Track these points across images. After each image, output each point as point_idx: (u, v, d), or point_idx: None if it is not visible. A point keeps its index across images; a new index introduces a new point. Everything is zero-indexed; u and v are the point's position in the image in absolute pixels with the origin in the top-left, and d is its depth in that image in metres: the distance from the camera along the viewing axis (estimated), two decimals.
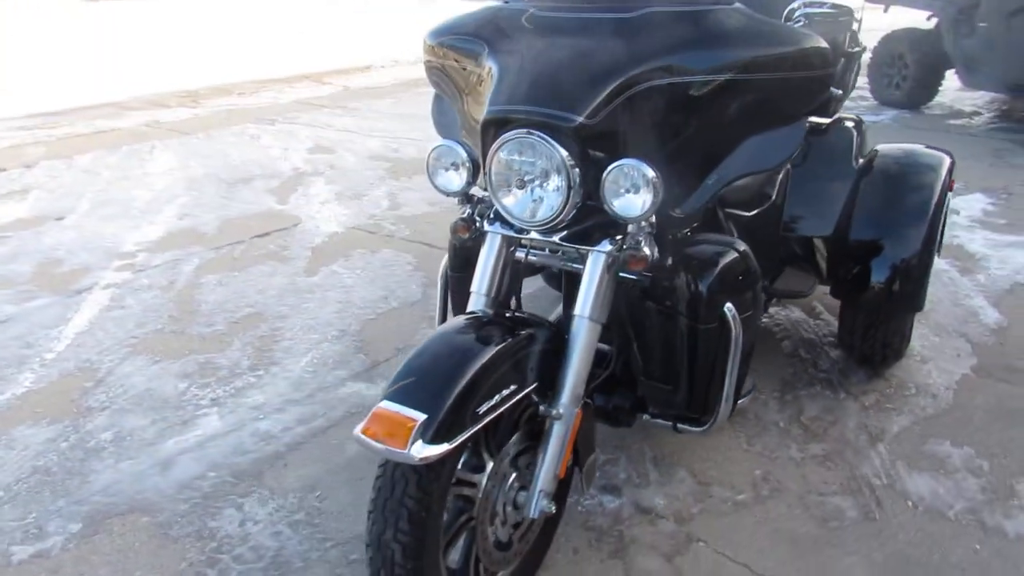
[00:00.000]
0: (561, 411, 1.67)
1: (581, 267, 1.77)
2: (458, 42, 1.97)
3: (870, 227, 2.48)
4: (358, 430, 1.47)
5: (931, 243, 2.48)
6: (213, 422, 2.57)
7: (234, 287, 3.53)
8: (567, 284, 2.02)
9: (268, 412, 2.62)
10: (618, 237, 1.69)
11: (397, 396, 1.47)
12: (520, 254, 1.86)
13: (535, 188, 1.66)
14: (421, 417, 1.42)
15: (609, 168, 1.58)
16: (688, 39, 1.64)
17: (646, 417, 2.06)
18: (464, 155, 1.75)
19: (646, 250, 1.64)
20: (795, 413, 2.57)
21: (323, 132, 6.29)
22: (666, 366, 1.91)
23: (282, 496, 2.23)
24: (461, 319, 1.71)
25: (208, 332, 3.15)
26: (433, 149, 1.80)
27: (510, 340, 1.58)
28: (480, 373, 1.50)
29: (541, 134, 1.61)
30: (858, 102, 7.22)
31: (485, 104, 1.72)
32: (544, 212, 1.67)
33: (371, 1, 18.00)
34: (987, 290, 3.43)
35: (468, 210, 1.87)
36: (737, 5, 1.70)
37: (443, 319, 2.24)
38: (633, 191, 1.57)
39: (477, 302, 1.82)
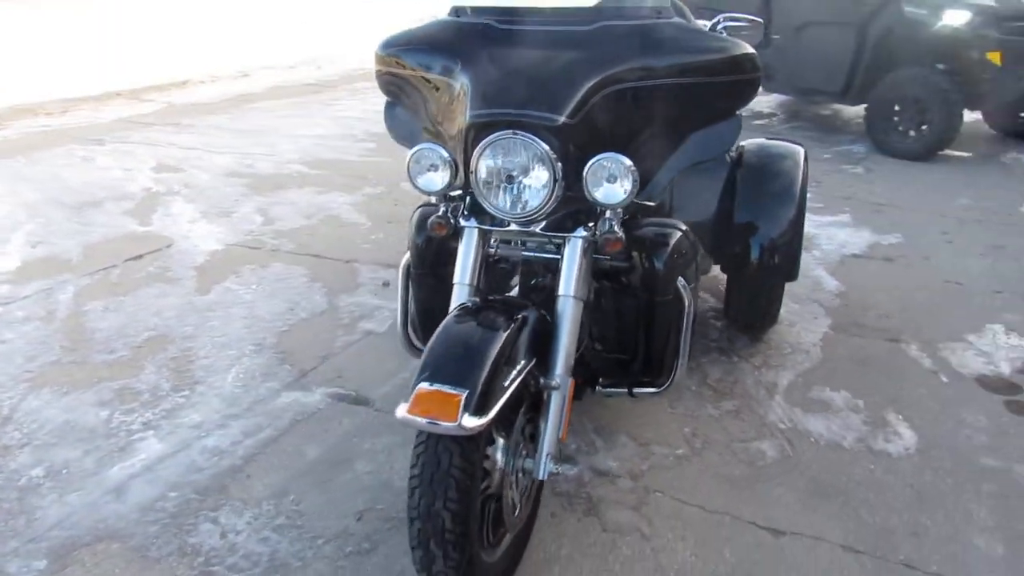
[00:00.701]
0: (558, 381, 1.86)
1: (552, 255, 1.98)
2: (416, 53, 2.11)
3: (748, 211, 2.87)
4: (403, 412, 1.58)
5: (800, 221, 2.92)
6: (154, 445, 2.50)
7: (125, 312, 3.38)
8: (524, 273, 2.21)
9: (210, 429, 2.58)
10: (590, 224, 1.91)
11: (435, 377, 1.60)
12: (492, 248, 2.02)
13: (520, 184, 1.84)
14: (463, 393, 1.56)
15: (592, 161, 1.79)
16: (641, 47, 1.89)
17: (599, 389, 2.29)
18: (445, 156, 1.89)
19: (620, 233, 1.87)
20: (702, 378, 2.92)
21: (164, 150, 6.00)
22: (623, 338, 2.15)
23: (255, 505, 2.24)
24: (466, 307, 1.85)
25: (112, 359, 3.01)
26: (413, 152, 1.91)
27: (514, 322, 1.75)
28: (501, 351, 1.66)
29: (526, 134, 1.79)
30: None
31: (463, 109, 1.88)
32: (530, 205, 1.85)
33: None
34: (824, 263, 4.02)
35: (443, 208, 2.01)
36: (676, 19, 1.98)
37: (404, 315, 2.35)
38: (613, 181, 1.80)
39: (463, 292, 1.97)
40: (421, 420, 1.55)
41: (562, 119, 1.78)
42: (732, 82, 1.94)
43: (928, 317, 3.45)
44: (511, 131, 1.80)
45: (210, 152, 5.97)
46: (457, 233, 2.00)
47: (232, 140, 6.37)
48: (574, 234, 1.91)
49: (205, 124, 6.96)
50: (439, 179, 1.93)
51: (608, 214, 1.87)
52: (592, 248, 1.92)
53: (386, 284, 3.71)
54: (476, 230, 1.99)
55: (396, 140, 2.29)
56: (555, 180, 1.82)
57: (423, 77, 2.09)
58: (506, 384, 1.66)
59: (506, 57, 1.92)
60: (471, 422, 1.54)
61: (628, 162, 1.77)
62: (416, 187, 1.98)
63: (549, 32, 1.95)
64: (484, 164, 1.85)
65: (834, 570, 2.03)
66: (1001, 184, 5.54)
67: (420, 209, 2.32)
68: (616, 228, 1.87)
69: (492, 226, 1.98)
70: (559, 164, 1.80)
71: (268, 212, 4.68)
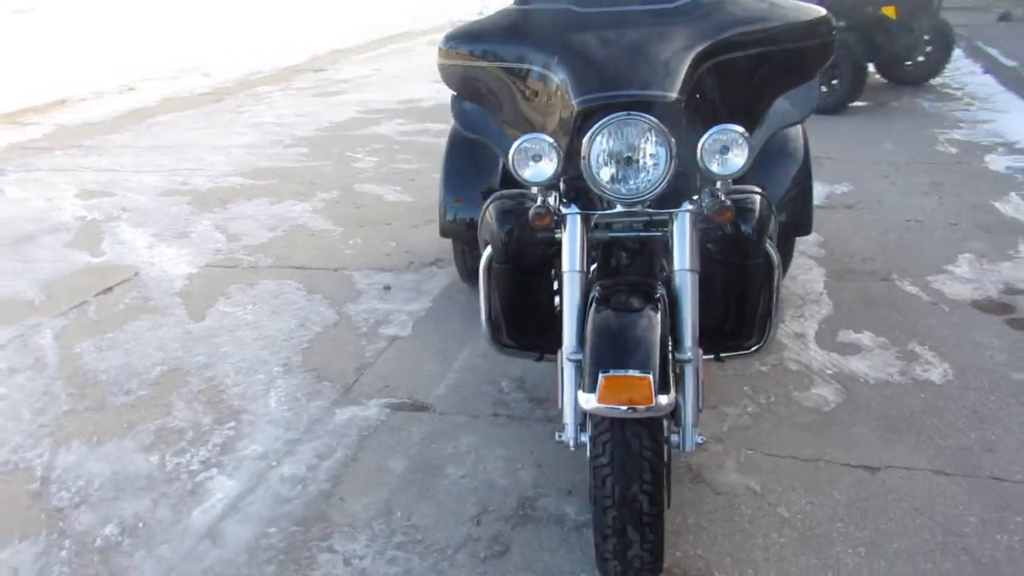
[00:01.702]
0: (689, 354, 1.88)
1: (649, 233, 2.00)
2: (489, 45, 2.06)
3: (763, 173, 2.98)
4: (593, 403, 1.57)
5: (808, 178, 3.06)
6: (225, 483, 2.36)
7: (123, 348, 3.14)
8: (604, 254, 2.21)
9: (278, 458, 2.46)
10: (694, 197, 1.94)
11: (616, 363, 1.60)
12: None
13: (639, 163, 1.85)
14: (648, 374, 1.57)
15: (708, 134, 1.81)
16: (731, 18, 1.93)
17: None
18: (550, 144, 1.87)
19: (729, 202, 1.91)
20: None
21: (80, 175, 5.57)
22: (715, 304, 2.20)
23: (365, 527, 2.16)
24: (609, 291, 1.84)
25: (132, 400, 2.80)
26: (519, 143, 1.88)
27: (658, 300, 1.76)
28: (663, 331, 1.67)
29: (641, 114, 1.80)
30: None
31: (563, 96, 1.86)
32: (646, 183, 1.86)
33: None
34: None
35: (541, 199, 1.98)
36: None
37: (488, 312, 2.30)
38: (727, 151, 1.83)
39: (575, 279, 1.95)
40: (620, 407, 1.55)
41: (674, 95, 1.80)
42: (813, 45, 2.01)
43: (906, 255, 3.70)
44: (625, 112, 1.80)
45: (134, 172, 5.58)
46: (559, 222, 1.98)
47: (151, 158, 5.98)
48: (681, 208, 1.93)
49: (111, 144, 6.50)
50: (548, 168, 1.90)
51: (718, 184, 1.90)
52: (699, 220, 1.95)
53: (388, 288, 3.62)
54: (578, 216, 1.98)
55: (467, 132, 2.24)
56: (671, 157, 1.83)
57: (501, 68, 2.06)
58: (670, 362, 1.67)
59: (599, 40, 1.91)
60: (664, 400, 1.55)
61: (741, 131, 1.81)
62: (522, 179, 1.94)
63: (636, 12, 1.96)
64: (598, 147, 1.84)
65: (937, 494, 2.17)
66: (912, 128, 5.98)
67: (496, 202, 2.28)
68: (724, 198, 1.91)
69: (595, 210, 1.98)
70: (673, 140, 1.82)
71: (227, 228, 4.44)
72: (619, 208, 1.97)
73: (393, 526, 2.16)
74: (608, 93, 1.80)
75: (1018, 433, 2.40)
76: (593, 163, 1.86)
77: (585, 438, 1.91)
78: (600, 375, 1.59)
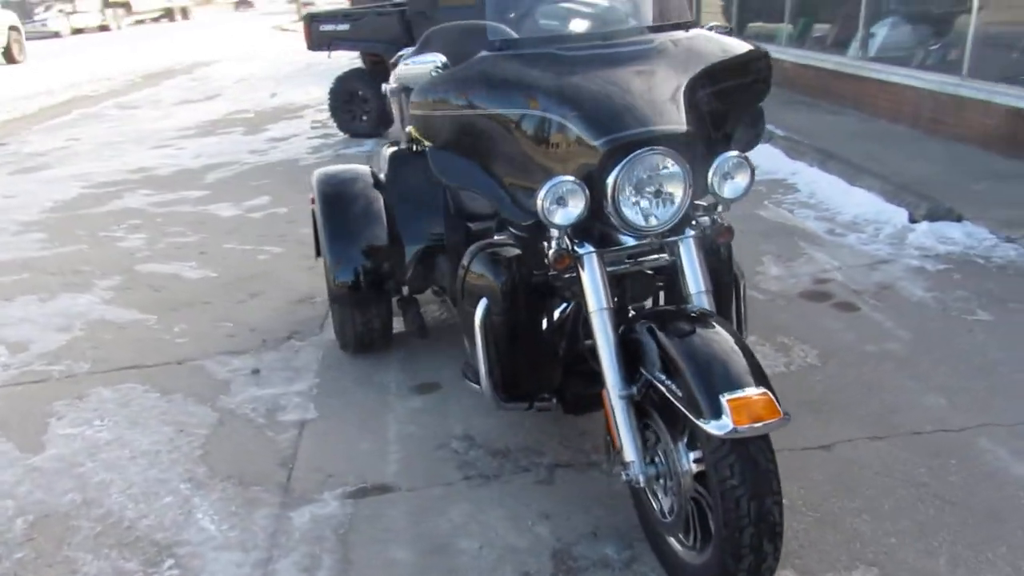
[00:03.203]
0: None
1: (662, 259, 2.07)
2: (473, 93, 2.00)
3: None
4: (726, 430, 1.58)
5: None
6: None
7: None
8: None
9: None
10: (693, 222, 2.05)
11: (729, 385, 1.63)
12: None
13: (660, 196, 1.91)
14: (766, 390, 1.64)
15: (718, 161, 1.93)
16: (701, 55, 2.06)
17: None
18: (577, 186, 1.86)
19: (728, 223, 2.05)
20: None
21: None
22: None
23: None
24: (654, 324, 1.85)
25: (8, 569, 2.19)
26: (549, 188, 1.84)
27: (713, 321, 1.84)
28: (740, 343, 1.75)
29: (662, 148, 1.86)
30: (329, 139, 7.91)
31: (573, 138, 1.85)
32: (667, 215, 1.93)
33: None
34: None
35: (556, 242, 1.96)
36: (701, 30, 2.19)
37: (489, 368, 2.19)
38: (733, 177, 1.97)
39: (603, 317, 1.95)
40: (757, 425, 1.58)
41: (686, 127, 1.89)
42: (761, 78, 2.22)
43: None
44: (649, 147, 1.85)
45: None
46: (576, 262, 1.97)
47: None
48: (685, 236, 2.03)
49: None
50: (575, 209, 1.89)
51: (719, 208, 2.03)
52: (702, 244, 2.06)
53: (256, 371, 3.24)
54: (594, 255, 1.98)
55: (448, 183, 2.12)
56: (688, 186, 1.92)
57: (491, 115, 1.98)
58: None
59: (598, 81, 1.93)
60: (785, 413, 1.62)
61: (744, 156, 1.96)
62: (551, 224, 1.91)
63: (620, 53, 2.02)
64: (625, 185, 1.87)
65: (885, 457, 2.49)
66: None
67: (481, 255, 2.19)
68: (722, 220, 2.05)
69: (607, 247, 2.00)
70: (689, 170, 1.91)
71: (2, 338, 3.63)
72: (631, 242, 2.02)
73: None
74: (631, 131, 1.84)
75: (902, 393, 2.85)
76: (622, 200, 1.89)
77: (650, 471, 1.92)
78: (722, 399, 1.62)
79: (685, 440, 1.87)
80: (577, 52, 2.02)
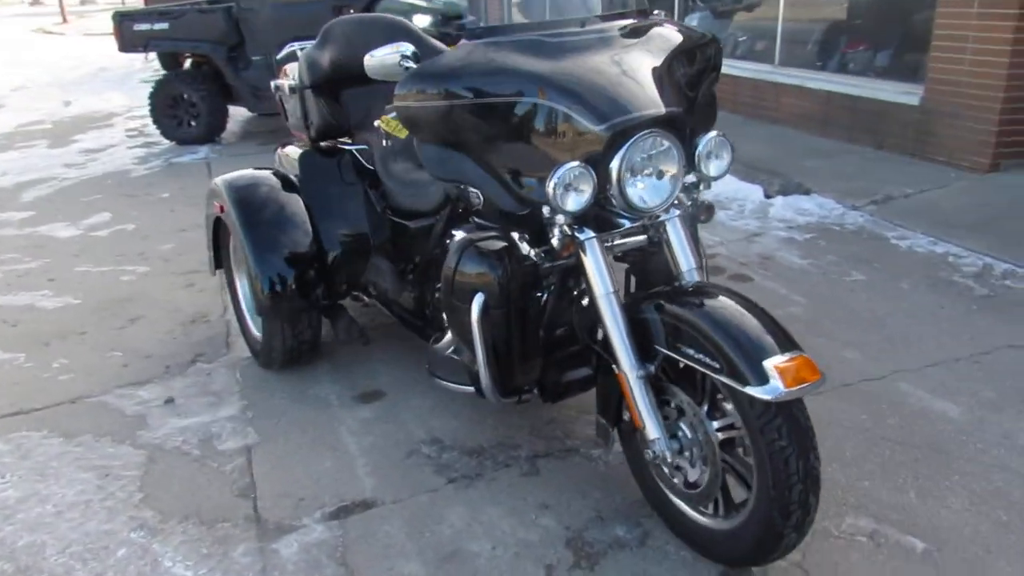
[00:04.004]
0: None
1: (630, 242, 2.12)
2: (460, 82, 1.93)
3: None
4: (777, 394, 1.64)
5: None
6: None
7: None
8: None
9: None
10: (676, 201, 2.11)
11: (772, 351, 1.70)
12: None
13: (658, 177, 1.95)
14: (802, 351, 1.73)
15: (704, 140, 2.00)
16: (667, 41, 2.11)
17: None
18: (585, 171, 1.86)
19: (710, 201, 2.13)
20: None
21: None
22: None
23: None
24: (675, 298, 1.90)
25: None
26: (559, 175, 1.83)
27: (728, 294, 1.91)
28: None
29: (661, 131, 1.91)
30: (152, 148, 7.28)
31: (572, 123, 1.84)
32: (664, 196, 1.97)
33: None
34: None
35: (560, 228, 1.95)
36: (657, 16, 2.24)
37: (488, 362, 2.12)
38: (718, 156, 2.05)
39: (611, 300, 1.97)
40: (805, 386, 1.66)
41: (677, 109, 1.95)
42: (714, 64, 2.30)
43: None
44: (649, 130, 1.89)
45: None
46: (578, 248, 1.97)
47: None
48: (671, 215, 2.08)
49: None
50: (585, 194, 1.89)
51: (702, 186, 2.10)
52: (687, 222, 2.13)
53: (171, 400, 2.93)
54: (595, 239, 2.00)
55: (439, 176, 2.02)
56: (682, 165, 1.98)
57: (480, 104, 1.92)
58: None
59: (588, 65, 1.93)
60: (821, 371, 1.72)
61: (723, 135, 2.05)
62: (563, 211, 1.89)
63: (599, 38, 2.03)
64: (629, 167, 1.89)
65: (844, 410, 2.70)
66: None
67: (472, 248, 2.11)
68: (703, 199, 2.13)
69: (605, 231, 2.02)
70: (682, 150, 1.97)
71: None
72: (627, 224, 2.05)
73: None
74: (633, 115, 1.85)
75: (821, 351, 3.09)
76: (627, 182, 1.91)
77: (673, 446, 1.97)
78: (766, 365, 1.68)
79: (705, 410, 1.93)
80: (560, 39, 2.02)
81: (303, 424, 2.75)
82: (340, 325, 2.96)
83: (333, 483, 2.43)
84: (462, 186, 2.11)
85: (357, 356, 3.18)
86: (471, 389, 2.35)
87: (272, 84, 3.34)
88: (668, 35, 2.19)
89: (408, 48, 2.11)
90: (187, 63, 7.61)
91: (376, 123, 2.27)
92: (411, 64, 2.10)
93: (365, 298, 3.12)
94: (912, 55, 5.71)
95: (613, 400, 2.15)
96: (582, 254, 1.99)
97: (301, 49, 3.36)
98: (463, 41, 2.02)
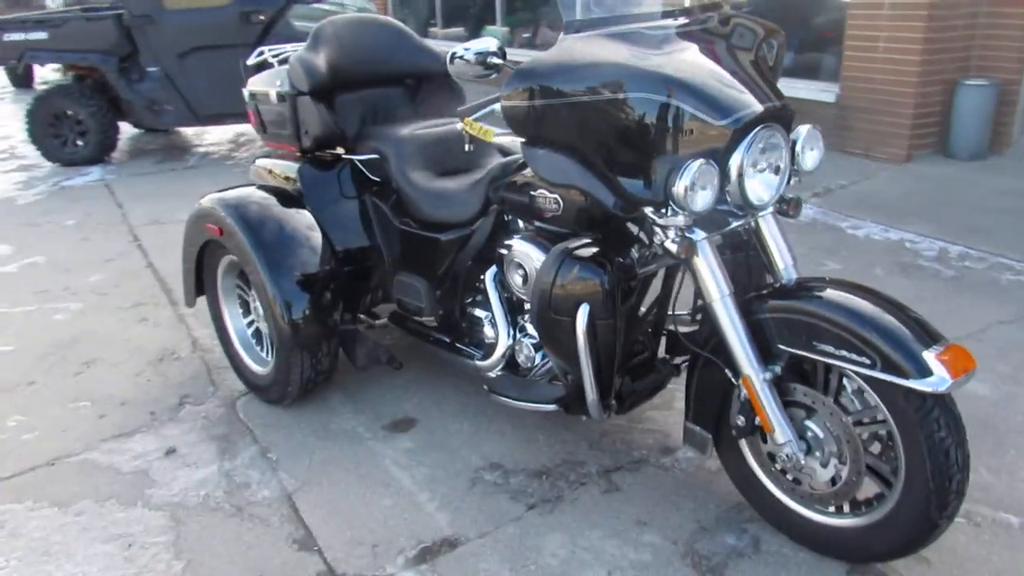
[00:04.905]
0: None
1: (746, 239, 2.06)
2: (574, 79, 1.79)
3: None
4: (945, 386, 1.61)
5: None
6: None
7: None
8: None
9: None
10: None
11: (928, 342, 1.68)
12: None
13: (774, 172, 1.89)
14: (952, 341, 1.71)
15: (801, 133, 1.96)
16: (754, 33, 2.05)
17: None
18: (710, 169, 1.78)
19: (798, 196, 2.09)
20: None
21: None
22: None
23: None
24: (799, 295, 1.85)
25: None
26: (690, 175, 1.73)
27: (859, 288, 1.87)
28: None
29: (773, 124, 1.85)
30: (32, 171, 6.54)
31: (687, 118, 1.75)
32: (775, 189, 1.92)
33: None
34: None
35: (675, 229, 1.87)
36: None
37: (597, 378, 1.98)
38: (813, 148, 2.01)
39: (728, 303, 1.90)
40: (968, 374, 1.64)
41: (784, 102, 1.90)
42: (781, 56, 2.25)
43: None
44: (765, 124, 1.82)
45: None
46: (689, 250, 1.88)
47: None
48: (767, 211, 2.03)
49: None
50: (710, 193, 1.80)
51: (792, 181, 2.06)
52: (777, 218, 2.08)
53: (173, 451, 2.59)
54: (707, 240, 1.92)
55: (549, 179, 1.87)
56: (790, 159, 1.93)
57: (596, 101, 1.78)
58: None
59: (702, 59, 1.84)
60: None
61: (816, 127, 2.01)
62: (692, 212, 1.79)
63: (702, 30, 1.94)
64: (749, 163, 1.82)
65: None
66: None
67: (570, 258, 1.96)
68: (793, 194, 2.09)
69: (714, 230, 1.94)
70: (789, 143, 1.92)
71: None
72: (733, 223, 1.98)
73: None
74: (754, 109, 1.78)
75: None
76: (748, 176, 1.83)
77: (803, 447, 1.91)
78: (926, 357, 1.65)
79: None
80: (663, 31, 1.92)
81: (341, 461, 2.49)
82: (360, 351, 2.72)
83: (402, 523, 2.21)
84: (572, 188, 1.95)
85: (367, 383, 2.94)
86: (551, 407, 2.21)
87: (245, 92, 3.04)
88: (751, 25, 2.13)
89: (495, 44, 1.95)
90: (59, 76, 6.90)
91: (459, 126, 2.08)
92: (498, 61, 1.94)
93: (372, 321, 2.89)
94: (827, 55, 6.02)
95: (711, 406, 2.08)
96: (695, 256, 1.91)
97: (277, 55, 3.09)
98: (562, 35, 1.89)
